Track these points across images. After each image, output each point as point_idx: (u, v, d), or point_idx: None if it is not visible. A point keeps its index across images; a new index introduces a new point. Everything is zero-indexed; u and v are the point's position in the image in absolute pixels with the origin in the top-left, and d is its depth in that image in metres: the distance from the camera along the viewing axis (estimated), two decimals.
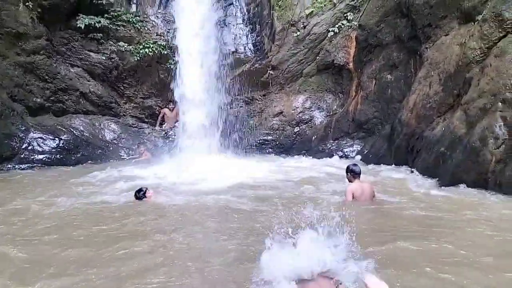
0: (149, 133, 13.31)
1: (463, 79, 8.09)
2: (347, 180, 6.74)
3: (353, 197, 6.42)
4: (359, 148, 11.52)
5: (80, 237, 5.05)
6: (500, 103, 6.94)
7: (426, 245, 4.43)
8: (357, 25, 12.02)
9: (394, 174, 8.72)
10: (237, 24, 13.57)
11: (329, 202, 6.36)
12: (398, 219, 5.55)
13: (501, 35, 7.54)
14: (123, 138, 12.80)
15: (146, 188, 7.16)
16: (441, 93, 8.70)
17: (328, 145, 11.95)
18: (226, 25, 13.41)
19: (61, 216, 6.08)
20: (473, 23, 8.42)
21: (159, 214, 6.21)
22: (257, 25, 13.51)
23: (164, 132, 13.33)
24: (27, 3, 10.95)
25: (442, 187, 7.26)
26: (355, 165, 6.89)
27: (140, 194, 7.07)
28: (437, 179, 7.59)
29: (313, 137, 12.38)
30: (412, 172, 8.57)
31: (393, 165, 9.49)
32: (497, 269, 3.79)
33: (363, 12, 11.86)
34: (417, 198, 6.71)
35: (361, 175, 6.65)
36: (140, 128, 13.26)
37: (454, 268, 3.83)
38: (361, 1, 12.19)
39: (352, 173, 6.65)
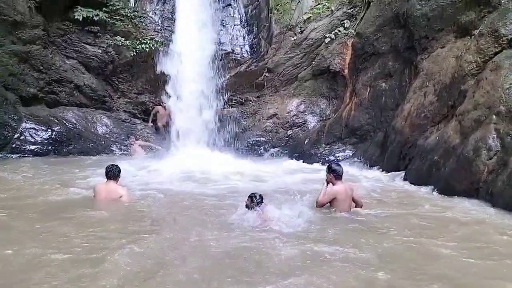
0: (141, 128, 13.26)
1: (458, 91, 8.34)
2: (325, 182, 5.86)
3: (332, 202, 5.69)
4: (350, 154, 11.69)
5: None
6: (494, 116, 7.17)
7: None
8: (354, 32, 12.23)
9: (385, 180, 8.91)
10: (234, 25, 13.59)
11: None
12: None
13: (497, 50, 7.82)
14: (115, 133, 12.73)
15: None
16: (436, 103, 8.93)
17: (320, 149, 12.09)
18: (224, 26, 13.45)
19: None
20: (469, 37, 8.69)
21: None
22: (254, 27, 13.58)
23: (156, 129, 13.29)
24: None
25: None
26: (337, 164, 6.04)
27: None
28: (431, 186, 7.78)
29: (306, 141, 12.53)
30: (405, 179, 8.74)
31: (385, 171, 9.69)
32: None
33: (361, 20, 12.07)
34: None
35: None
36: (132, 124, 13.19)
37: None
38: (358, 10, 12.44)
39: (334, 174, 5.74)
